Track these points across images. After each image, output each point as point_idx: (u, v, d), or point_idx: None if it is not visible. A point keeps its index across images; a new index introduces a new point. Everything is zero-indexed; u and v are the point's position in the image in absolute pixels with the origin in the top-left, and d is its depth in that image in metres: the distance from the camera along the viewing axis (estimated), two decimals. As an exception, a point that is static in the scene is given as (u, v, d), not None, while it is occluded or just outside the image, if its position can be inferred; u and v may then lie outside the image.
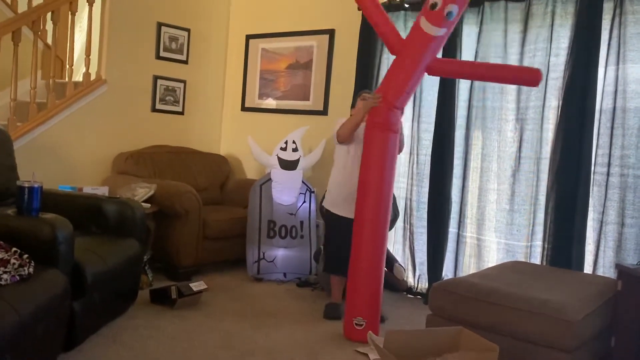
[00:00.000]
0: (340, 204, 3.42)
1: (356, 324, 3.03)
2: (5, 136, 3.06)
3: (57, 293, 2.23)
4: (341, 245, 3.30)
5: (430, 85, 3.96)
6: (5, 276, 2.04)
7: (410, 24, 4.02)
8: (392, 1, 4.08)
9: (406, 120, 4.11)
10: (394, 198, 3.87)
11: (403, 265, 4.03)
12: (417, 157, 4.02)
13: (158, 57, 4.75)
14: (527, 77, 2.92)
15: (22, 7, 4.68)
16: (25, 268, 2.14)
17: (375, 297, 3.08)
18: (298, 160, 4.29)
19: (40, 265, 2.25)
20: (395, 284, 3.91)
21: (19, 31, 3.76)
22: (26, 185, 2.44)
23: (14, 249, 2.20)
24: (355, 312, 3.05)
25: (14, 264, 2.11)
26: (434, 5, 2.84)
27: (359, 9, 4.23)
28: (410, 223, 4.06)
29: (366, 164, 3.05)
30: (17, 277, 2.09)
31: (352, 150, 3.41)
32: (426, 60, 2.96)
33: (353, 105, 3.59)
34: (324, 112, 4.60)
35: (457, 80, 3.79)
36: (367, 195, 3.03)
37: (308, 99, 4.72)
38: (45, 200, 2.52)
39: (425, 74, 3.07)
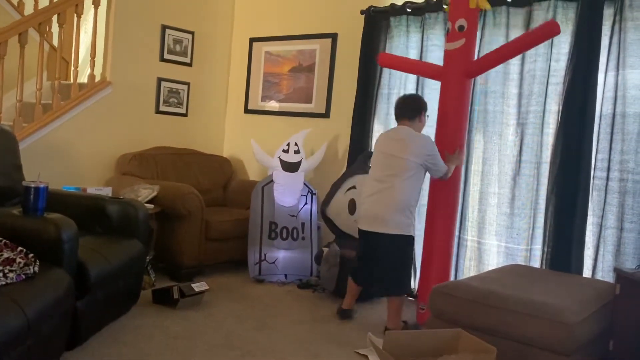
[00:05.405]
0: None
1: (420, 308, 3.48)
2: (11, 137, 3.09)
3: (62, 292, 2.26)
4: None
5: (432, 90, 3.99)
6: (11, 275, 2.08)
7: (412, 28, 4.08)
8: (394, 6, 4.11)
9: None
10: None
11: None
12: (419, 161, 4.04)
13: (162, 59, 4.79)
14: (548, 31, 3.14)
15: (28, 9, 4.73)
16: (31, 267, 2.17)
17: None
18: (300, 163, 4.32)
19: (45, 264, 2.28)
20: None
21: (26, 33, 3.80)
22: (32, 185, 2.47)
23: (20, 248, 2.24)
24: (421, 299, 3.49)
25: (19, 262, 2.15)
26: (448, 30, 3.41)
27: (361, 13, 4.28)
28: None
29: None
30: (23, 276, 2.12)
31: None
32: (460, 70, 3.38)
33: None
34: (326, 114, 4.64)
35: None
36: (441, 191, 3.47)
37: (310, 102, 4.75)
38: (49, 201, 2.55)
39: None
